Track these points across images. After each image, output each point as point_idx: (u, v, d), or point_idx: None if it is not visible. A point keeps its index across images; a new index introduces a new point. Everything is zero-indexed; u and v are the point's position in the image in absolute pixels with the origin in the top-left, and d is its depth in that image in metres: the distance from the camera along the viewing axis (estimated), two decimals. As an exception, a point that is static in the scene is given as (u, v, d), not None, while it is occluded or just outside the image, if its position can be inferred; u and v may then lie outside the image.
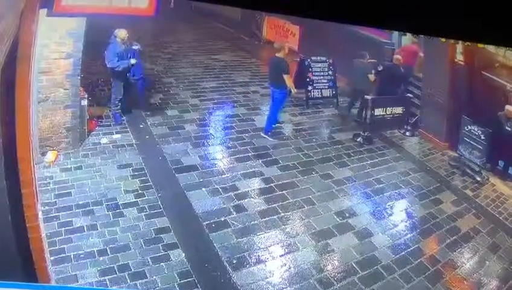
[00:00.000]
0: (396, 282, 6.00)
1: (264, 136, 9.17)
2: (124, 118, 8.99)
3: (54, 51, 7.33)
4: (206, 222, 6.56)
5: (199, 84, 11.09)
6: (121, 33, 8.58)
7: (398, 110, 10.06)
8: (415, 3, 5.87)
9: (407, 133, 10.22)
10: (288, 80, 9.19)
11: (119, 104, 8.95)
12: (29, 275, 5.12)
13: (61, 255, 5.67)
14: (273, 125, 9.39)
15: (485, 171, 8.84)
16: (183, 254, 5.93)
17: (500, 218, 7.70)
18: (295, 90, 9.74)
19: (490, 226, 7.45)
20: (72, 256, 5.68)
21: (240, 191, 7.35)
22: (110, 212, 6.52)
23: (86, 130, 8.15)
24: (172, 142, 8.46)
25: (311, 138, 9.36)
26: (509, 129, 8.69)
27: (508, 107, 8.76)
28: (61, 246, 5.80)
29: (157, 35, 13.20)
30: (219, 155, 8.40)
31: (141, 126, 8.84)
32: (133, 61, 8.68)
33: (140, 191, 7.01)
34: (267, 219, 6.82)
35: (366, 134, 9.60)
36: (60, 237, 5.94)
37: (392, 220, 7.27)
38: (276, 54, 9.30)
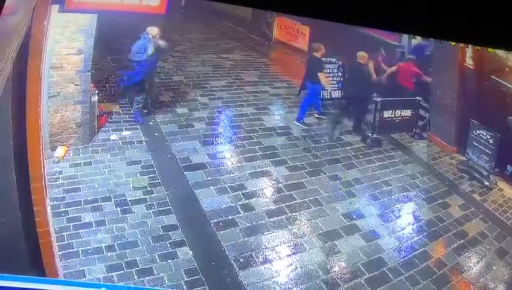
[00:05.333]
0: (402, 285, 6.00)
1: (297, 123, 9.73)
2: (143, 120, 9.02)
3: (65, 46, 7.37)
4: (214, 220, 6.58)
5: (209, 83, 11.08)
6: (153, 31, 8.67)
7: (407, 112, 10.03)
8: (425, 6, 5.88)
9: (416, 136, 10.18)
10: (323, 78, 10.01)
11: (142, 101, 8.96)
12: (37, 269, 5.16)
13: (69, 250, 5.70)
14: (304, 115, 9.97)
15: (493, 175, 8.80)
16: (191, 252, 5.95)
17: (508, 223, 7.65)
18: (328, 87, 10.47)
19: (497, 231, 7.42)
20: (80, 251, 5.71)
21: (247, 191, 7.35)
22: (119, 209, 6.54)
23: (96, 126, 8.18)
24: (181, 140, 8.46)
25: (319, 138, 9.34)
26: (518, 134, 8.67)
27: (517, 112, 8.75)
28: (70, 241, 5.83)
29: (167, 33, 13.21)
30: (227, 154, 8.40)
31: (150, 123, 8.85)
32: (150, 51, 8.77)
33: (148, 188, 7.03)
34: (274, 218, 6.82)
35: (374, 136, 9.59)
36: (68, 232, 5.97)
37: (399, 222, 7.26)
38: (314, 53, 10.20)
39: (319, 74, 9.96)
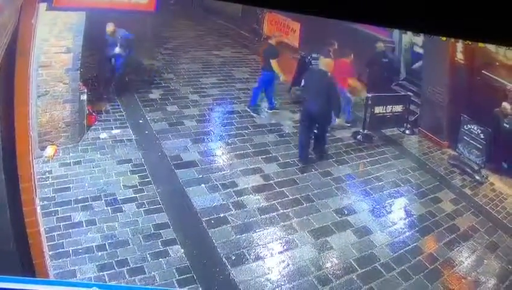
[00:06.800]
0: (394, 280, 6.00)
1: (269, 111, 10.10)
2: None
3: (53, 45, 7.31)
4: (205, 218, 6.56)
5: (199, 80, 11.08)
6: (109, 28, 9.17)
7: (398, 108, 10.03)
8: (416, 1, 5.85)
9: (407, 132, 10.21)
10: (275, 65, 9.90)
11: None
12: (27, 270, 5.11)
13: (59, 250, 5.66)
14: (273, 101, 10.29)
15: (484, 170, 8.82)
16: (182, 250, 5.92)
17: (499, 217, 7.69)
18: (283, 76, 10.17)
19: (488, 225, 7.44)
20: (70, 251, 5.68)
21: (239, 188, 7.34)
22: (109, 208, 6.52)
23: (85, 125, 8.16)
24: (171, 138, 8.46)
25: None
26: (506, 126, 8.69)
27: (504, 104, 8.77)
28: (60, 241, 5.79)
29: (157, 30, 13.19)
30: (218, 151, 8.38)
31: (140, 121, 8.83)
32: (117, 50, 9.32)
33: (139, 187, 7.01)
34: (266, 215, 6.81)
35: (365, 132, 9.59)
36: (58, 232, 5.93)
37: (390, 218, 7.26)
38: (269, 41, 10.67)
39: (271, 60, 9.92)
